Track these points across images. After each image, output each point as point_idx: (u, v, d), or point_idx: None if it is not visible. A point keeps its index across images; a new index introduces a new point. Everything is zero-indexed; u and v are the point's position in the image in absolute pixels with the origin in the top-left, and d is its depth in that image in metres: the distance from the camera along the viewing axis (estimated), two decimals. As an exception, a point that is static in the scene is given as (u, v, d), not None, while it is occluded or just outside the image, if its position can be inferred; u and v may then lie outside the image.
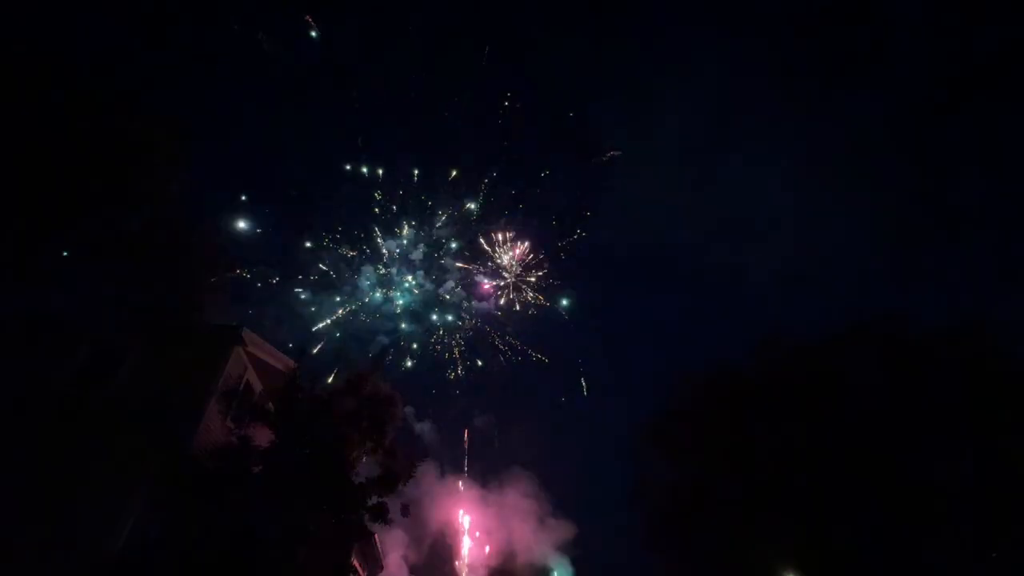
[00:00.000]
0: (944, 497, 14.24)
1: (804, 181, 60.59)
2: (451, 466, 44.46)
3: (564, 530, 41.62)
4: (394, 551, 33.58)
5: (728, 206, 68.77)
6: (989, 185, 53.51)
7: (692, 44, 67.56)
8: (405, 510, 11.42)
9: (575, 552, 41.07)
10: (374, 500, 10.89)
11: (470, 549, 37.60)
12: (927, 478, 14.49)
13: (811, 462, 15.74)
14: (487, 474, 45.06)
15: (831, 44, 57.27)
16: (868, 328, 16.67)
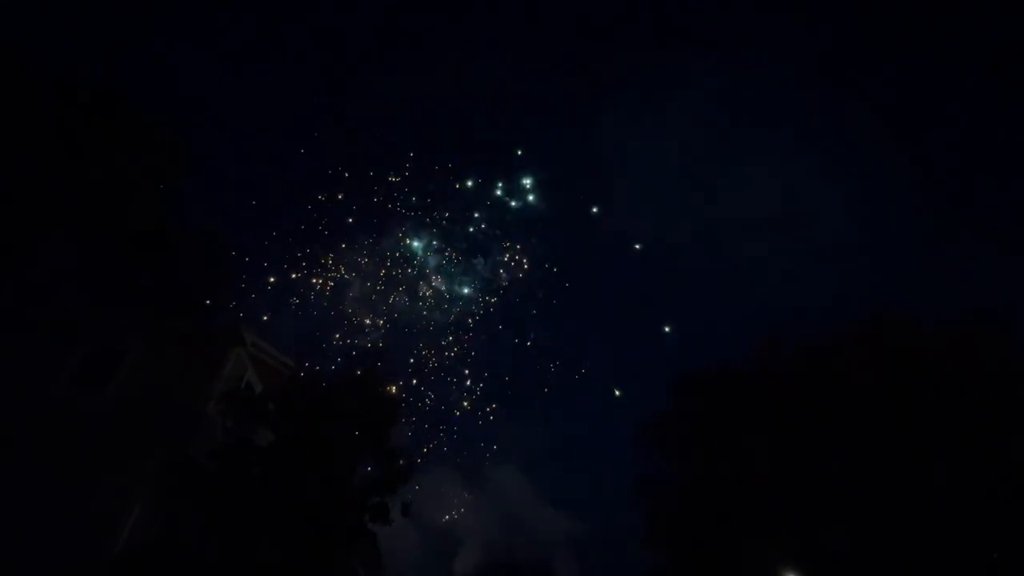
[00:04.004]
0: (944, 497, 14.19)
1: (806, 180, 60.46)
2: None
3: (565, 527, 41.70)
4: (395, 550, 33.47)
5: (730, 206, 68.62)
6: (994, 181, 53.38)
7: (693, 45, 67.33)
8: (406, 510, 11.39)
9: (576, 549, 41.15)
10: (375, 500, 10.88)
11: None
12: (928, 478, 14.44)
13: (812, 461, 15.70)
14: (489, 468, 45.12)
15: (833, 43, 57.12)
16: (870, 327, 16.62)
